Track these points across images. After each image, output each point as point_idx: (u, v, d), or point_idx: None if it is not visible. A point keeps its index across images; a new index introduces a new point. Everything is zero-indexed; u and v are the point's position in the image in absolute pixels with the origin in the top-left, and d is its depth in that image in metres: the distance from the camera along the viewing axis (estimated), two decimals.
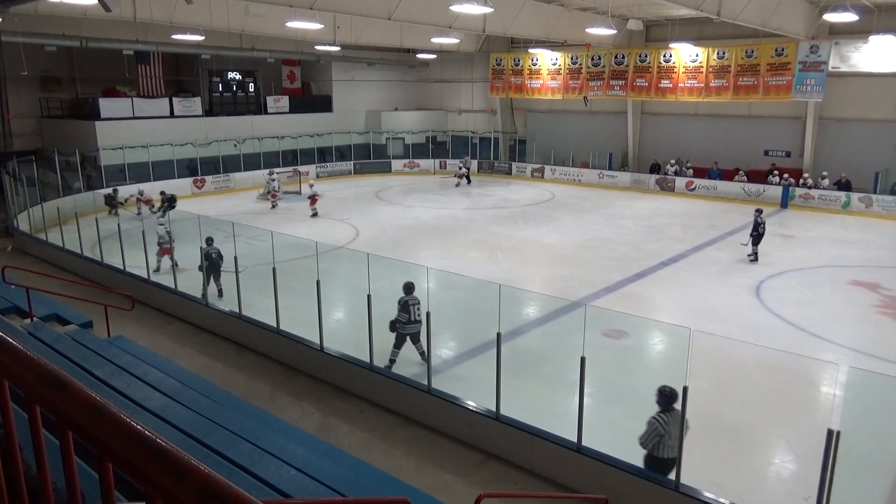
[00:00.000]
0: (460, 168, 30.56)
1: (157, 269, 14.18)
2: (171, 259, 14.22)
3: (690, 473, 6.36)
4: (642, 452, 6.77)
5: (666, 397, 6.41)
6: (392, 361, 9.70)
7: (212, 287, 12.90)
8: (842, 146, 25.07)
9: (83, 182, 23.89)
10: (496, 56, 33.00)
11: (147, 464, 1.06)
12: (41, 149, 26.56)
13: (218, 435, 6.14)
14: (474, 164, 33.96)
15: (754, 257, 16.73)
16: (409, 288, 9.75)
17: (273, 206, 24.47)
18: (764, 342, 10.79)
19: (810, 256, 17.58)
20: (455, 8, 17.38)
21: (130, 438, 1.10)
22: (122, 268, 14.00)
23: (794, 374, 10.29)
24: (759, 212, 16.94)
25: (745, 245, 17.07)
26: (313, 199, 22.71)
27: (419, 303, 9.58)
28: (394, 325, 9.69)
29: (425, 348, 8.99)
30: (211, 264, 12.73)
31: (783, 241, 19.37)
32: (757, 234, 16.65)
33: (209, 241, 12.88)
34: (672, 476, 6.32)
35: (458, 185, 29.76)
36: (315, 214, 22.38)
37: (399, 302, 9.73)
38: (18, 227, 18.69)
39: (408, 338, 9.78)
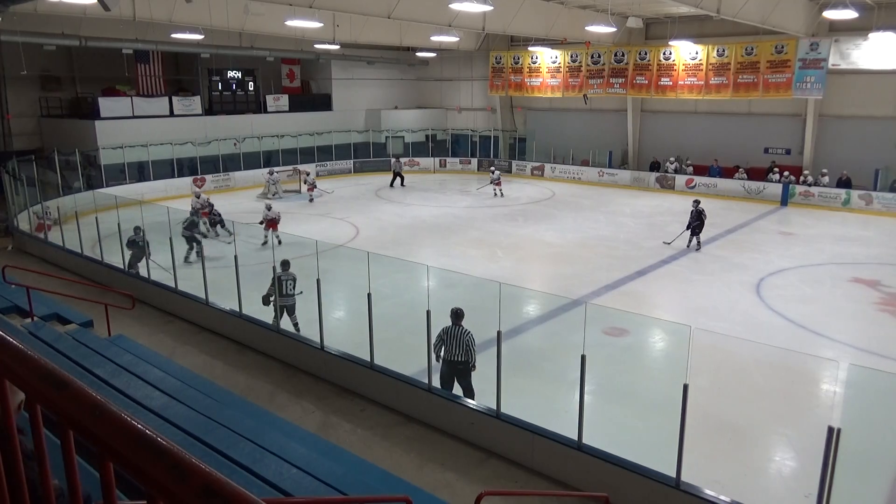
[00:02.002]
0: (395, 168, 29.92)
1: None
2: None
3: (691, 471, 6.36)
4: (644, 450, 6.80)
5: (454, 315, 8.22)
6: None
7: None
8: (842, 143, 25.07)
9: (83, 181, 23.89)
10: (496, 54, 32.98)
11: (148, 463, 1.06)
12: (41, 148, 26.55)
13: (218, 434, 6.15)
14: (474, 161, 33.94)
15: (698, 247, 17.51)
16: (284, 265, 10.83)
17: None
18: (764, 340, 10.81)
19: (810, 254, 17.59)
20: (454, 6, 17.38)
21: (131, 437, 1.10)
22: (122, 267, 14.01)
23: (795, 371, 10.30)
24: (696, 202, 17.88)
25: (669, 243, 17.88)
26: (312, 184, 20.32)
27: (293, 279, 10.78)
28: (266, 299, 10.68)
29: (298, 320, 10.59)
30: (138, 251, 13.99)
31: (783, 239, 19.39)
32: (699, 223, 17.47)
33: (137, 230, 14.12)
34: (672, 472, 6.32)
35: (392, 185, 29.12)
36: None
37: (274, 278, 10.61)
38: (18, 227, 18.69)
39: (285, 310, 10.75)
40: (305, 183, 25.96)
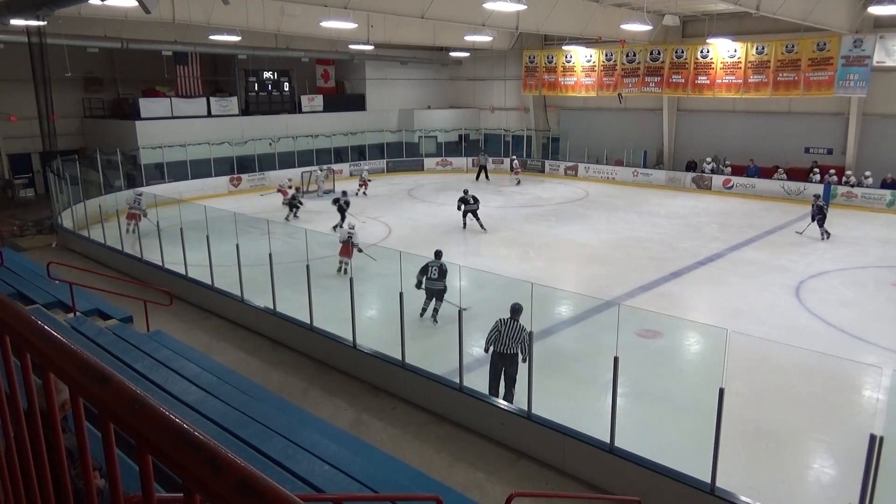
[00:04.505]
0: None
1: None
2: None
3: (726, 477, 6.25)
4: (678, 454, 6.70)
5: (513, 310, 8.39)
6: (424, 310, 11.76)
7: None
8: (887, 143, 24.32)
9: (124, 180, 24.47)
10: (529, 53, 32.81)
11: (186, 457, 1.08)
12: (84, 148, 27.30)
13: (252, 429, 6.23)
14: (506, 161, 33.77)
15: (827, 235, 18.35)
16: (437, 254, 11.78)
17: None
18: (803, 344, 10.55)
19: (853, 256, 17.10)
20: (488, 6, 17.33)
21: (170, 431, 1.12)
22: (160, 264, 14.31)
23: (835, 377, 10.04)
24: (816, 197, 19.11)
25: (801, 233, 18.76)
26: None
27: (438, 267, 11.52)
28: (419, 285, 11.54)
29: (438, 307, 11.57)
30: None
31: (824, 241, 18.89)
32: (821, 217, 18.33)
33: (344, 193, 18.24)
34: (707, 477, 6.22)
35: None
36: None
37: (424, 265, 11.61)
38: (62, 224, 19.23)
39: (434, 294, 11.65)
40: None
